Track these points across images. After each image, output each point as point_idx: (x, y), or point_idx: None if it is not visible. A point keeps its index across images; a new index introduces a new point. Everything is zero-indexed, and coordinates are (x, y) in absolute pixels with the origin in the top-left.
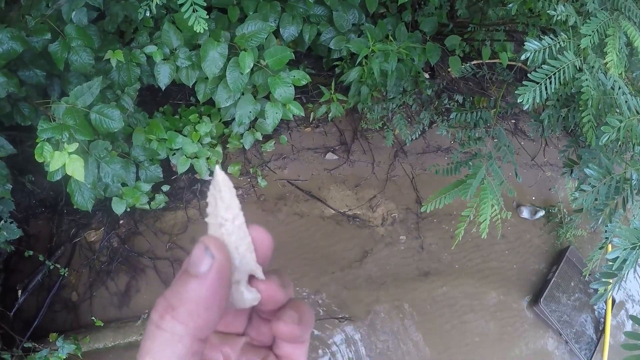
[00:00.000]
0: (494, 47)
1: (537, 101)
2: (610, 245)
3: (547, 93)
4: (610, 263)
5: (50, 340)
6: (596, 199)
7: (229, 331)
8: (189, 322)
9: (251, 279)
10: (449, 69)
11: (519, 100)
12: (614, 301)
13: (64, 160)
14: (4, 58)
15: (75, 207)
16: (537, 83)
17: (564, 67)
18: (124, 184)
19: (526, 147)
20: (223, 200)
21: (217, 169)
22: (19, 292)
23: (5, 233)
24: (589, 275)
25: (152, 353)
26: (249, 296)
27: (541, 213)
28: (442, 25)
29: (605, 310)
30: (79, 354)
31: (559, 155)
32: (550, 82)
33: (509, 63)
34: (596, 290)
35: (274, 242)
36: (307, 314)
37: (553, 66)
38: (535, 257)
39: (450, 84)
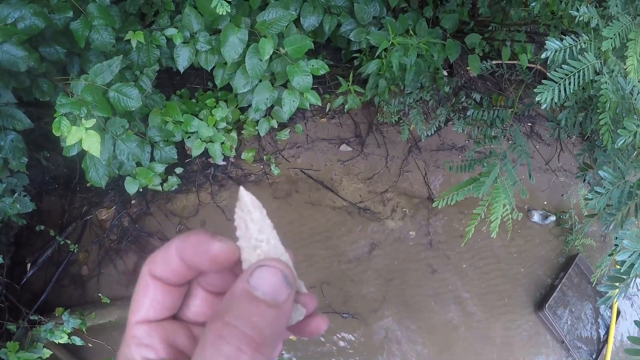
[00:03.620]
0: (513, 48)
1: (556, 101)
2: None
3: (565, 94)
4: (618, 267)
5: (56, 314)
6: (609, 204)
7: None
8: (270, 355)
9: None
10: (468, 67)
11: (537, 99)
12: (618, 312)
13: (80, 136)
14: (26, 33)
15: (89, 183)
16: (556, 83)
17: (583, 69)
18: (138, 164)
19: (541, 151)
20: (254, 222)
21: (243, 191)
22: (28, 265)
23: (18, 206)
24: (596, 283)
25: None
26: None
27: (552, 218)
28: (462, 23)
29: (610, 319)
30: (84, 329)
31: (575, 158)
32: (570, 83)
33: (528, 65)
34: (602, 294)
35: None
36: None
37: (573, 67)
38: (543, 262)
39: (468, 82)
